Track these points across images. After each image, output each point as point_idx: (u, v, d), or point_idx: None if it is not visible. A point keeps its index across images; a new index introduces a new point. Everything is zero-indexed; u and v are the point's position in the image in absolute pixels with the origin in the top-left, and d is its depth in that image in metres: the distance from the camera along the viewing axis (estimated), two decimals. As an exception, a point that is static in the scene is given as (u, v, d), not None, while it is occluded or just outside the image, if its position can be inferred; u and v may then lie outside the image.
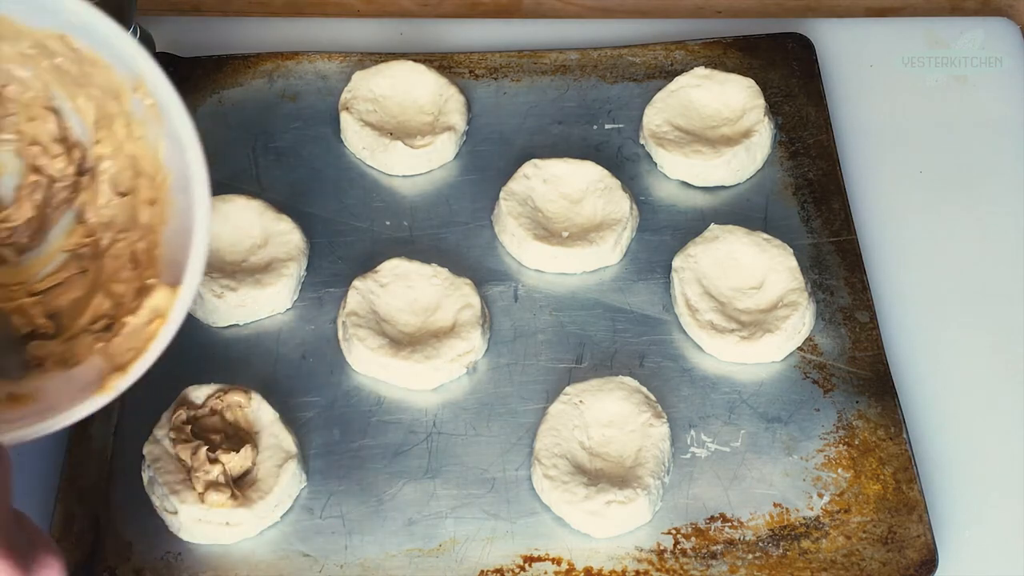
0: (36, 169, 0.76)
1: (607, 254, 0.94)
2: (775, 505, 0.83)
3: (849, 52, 1.09)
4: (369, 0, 1.17)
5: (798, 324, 0.89)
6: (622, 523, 0.81)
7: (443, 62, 1.05)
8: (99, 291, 0.73)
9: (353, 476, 0.84)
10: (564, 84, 1.05)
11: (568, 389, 0.86)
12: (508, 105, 1.04)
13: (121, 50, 0.68)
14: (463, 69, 1.05)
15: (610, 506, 0.80)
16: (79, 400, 0.68)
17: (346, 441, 0.86)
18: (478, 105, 1.03)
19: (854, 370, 0.89)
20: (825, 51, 1.07)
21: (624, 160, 1.00)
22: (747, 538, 0.81)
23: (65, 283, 0.75)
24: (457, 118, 1.00)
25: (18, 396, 0.71)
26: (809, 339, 0.90)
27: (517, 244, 0.94)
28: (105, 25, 0.68)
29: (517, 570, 0.80)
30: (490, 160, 1.00)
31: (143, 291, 0.71)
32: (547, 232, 0.94)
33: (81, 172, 0.76)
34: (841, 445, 0.85)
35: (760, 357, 0.89)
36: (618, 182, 0.96)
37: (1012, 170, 1.01)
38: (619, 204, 0.95)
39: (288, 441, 0.83)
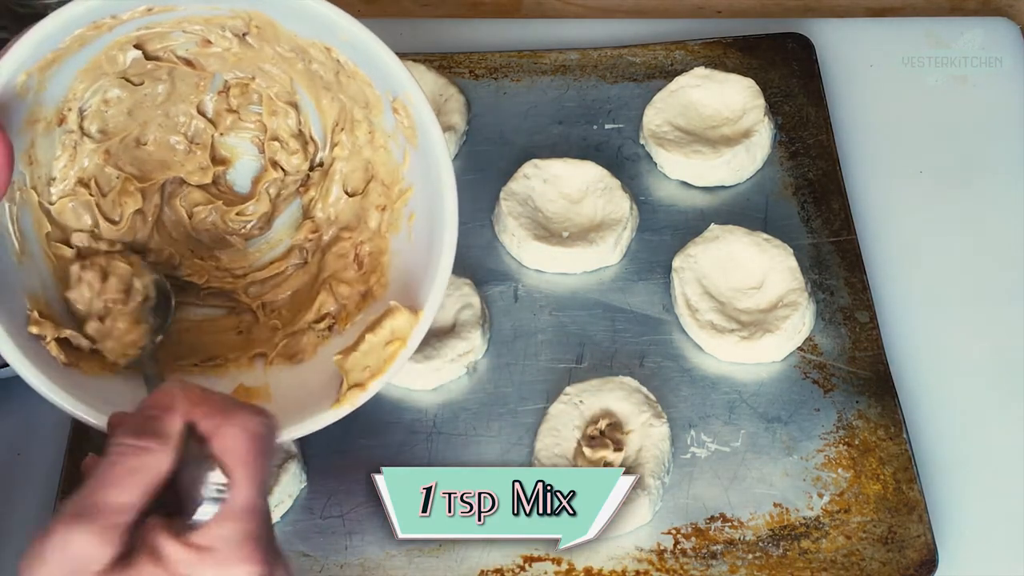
0: (274, 164, 0.78)
1: (607, 254, 0.94)
2: (775, 505, 0.83)
3: (849, 52, 1.09)
4: (369, 0, 1.17)
5: (798, 324, 0.89)
6: (622, 523, 0.81)
7: (443, 62, 1.05)
8: (323, 289, 0.75)
9: (353, 476, 0.84)
10: (564, 84, 1.05)
11: (568, 389, 0.86)
12: (508, 105, 1.04)
13: (389, 73, 0.70)
14: (463, 69, 1.05)
15: (610, 506, 0.80)
16: (318, 410, 0.70)
17: (346, 441, 0.85)
18: (478, 105, 1.03)
19: (854, 370, 0.89)
20: (825, 51, 1.07)
21: (624, 160, 1.00)
22: (747, 538, 0.81)
23: (285, 273, 0.77)
24: (457, 118, 1.00)
25: (251, 389, 0.73)
26: (809, 339, 0.90)
27: (517, 244, 0.94)
28: (377, 47, 0.69)
29: (517, 570, 0.80)
30: (490, 160, 1.00)
31: (367, 296, 0.74)
32: (547, 232, 0.94)
33: (312, 168, 0.77)
34: (841, 445, 0.85)
35: (760, 357, 0.89)
36: (618, 182, 0.96)
37: (1012, 170, 1.01)
38: (619, 204, 0.95)
39: (288, 441, 0.83)
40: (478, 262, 0.94)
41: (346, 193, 0.78)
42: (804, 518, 0.82)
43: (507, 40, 1.08)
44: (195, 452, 0.54)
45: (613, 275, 0.94)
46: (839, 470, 0.84)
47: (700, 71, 1.02)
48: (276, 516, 0.82)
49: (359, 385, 0.71)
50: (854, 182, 1.00)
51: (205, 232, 0.78)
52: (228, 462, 0.54)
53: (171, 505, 0.54)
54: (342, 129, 0.76)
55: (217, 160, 0.78)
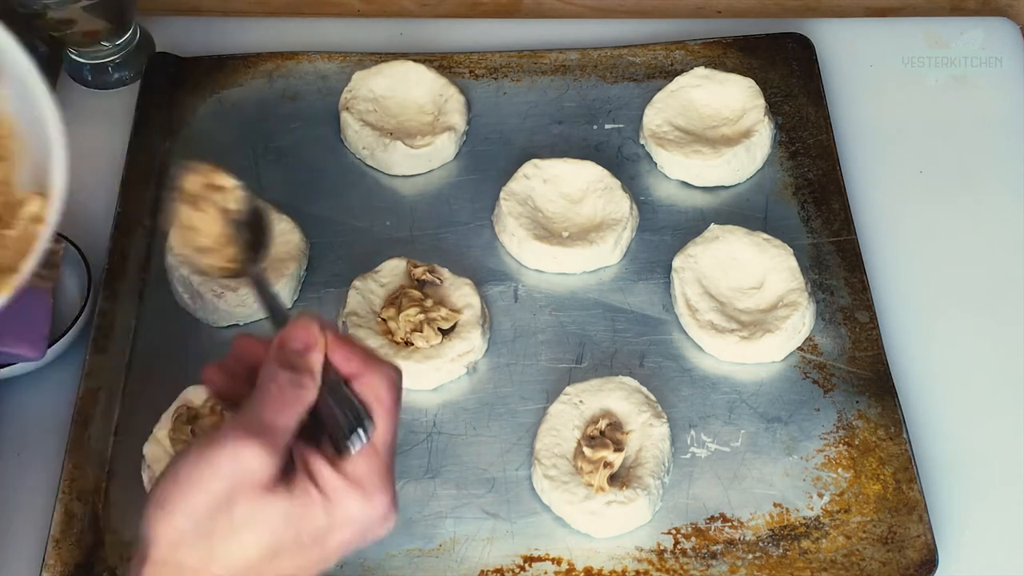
0: None
1: (607, 254, 0.94)
2: (775, 505, 0.83)
3: (849, 52, 1.09)
4: (369, 0, 1.17)
5: (798, 324, 0.89)
6: (622, 523, 0.81)
7: (443, 62, 1.05)
8: None
9: (353, 476, 0.84)
10: (564, 84, 1.05)
11: (568, 389, 0.86)
12: (508, 105, 1.04)
13: None
14: (463, 69, 1.05)
15: (610, 506, 0.80)
16: None
17: (346, 441, 0.85)
18: (478, 105, 1.03)
19: (854, 370, 0.89)
20: (825, 51, 1.07)
21: (624, 160, 1.00)
22: (747, 538, 0.81)
23: None
24: (457, 118, 1.00)
25: None
26: (809, 339, 0.90)
27: (517, 244, 0.94)
28: None
29: (517, 570, 0.80)
30: (490, 160, 1.00)
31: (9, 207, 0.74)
32: (547, 232, 0.94)
33: None
34: (841, 445, 0.85)
35: (760, 357, 0.89)
36: (618, 182, 0.96)
37: (1012, 170, 1.01)
38: (619, 204, 0.95)
39: (288, 441, 0.82)
40: (478, 262, 0.94)
41: None
42: (804, 518, 0.82)
43: (507, 40, 1.08)
44: (331, 387, 0.61)
45: (613, 275, 0.94)
46: (839, 470, 0.84)
47: (700, 71, 1.02)
48: (276, 516, 0.82)
49: (12, 270, 0.71)
50: (854, 182, 1.00)
51: None
52: (373, 404, 0.61)
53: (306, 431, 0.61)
54: None
55: None
